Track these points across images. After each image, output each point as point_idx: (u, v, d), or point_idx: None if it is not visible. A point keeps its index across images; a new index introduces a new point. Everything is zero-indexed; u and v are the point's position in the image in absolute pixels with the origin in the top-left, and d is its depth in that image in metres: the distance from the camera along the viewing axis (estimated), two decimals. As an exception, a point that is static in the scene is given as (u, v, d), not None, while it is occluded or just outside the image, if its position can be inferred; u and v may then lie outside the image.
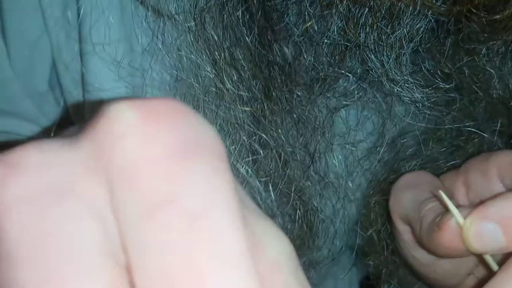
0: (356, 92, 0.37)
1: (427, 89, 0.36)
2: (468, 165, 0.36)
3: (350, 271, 0.50)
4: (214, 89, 0.34)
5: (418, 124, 0.38)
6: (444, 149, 0.40)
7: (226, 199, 0.15)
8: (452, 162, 0.39)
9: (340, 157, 0.40)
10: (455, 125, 0.38)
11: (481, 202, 0.30)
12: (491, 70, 0.35)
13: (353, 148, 0.39)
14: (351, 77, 0.37)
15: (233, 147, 0.34)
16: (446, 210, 0.31)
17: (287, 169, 0.36)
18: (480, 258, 0.32)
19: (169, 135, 0.15)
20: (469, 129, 0.38)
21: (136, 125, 0.15)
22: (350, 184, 0.41)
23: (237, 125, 0.35)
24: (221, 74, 0.34)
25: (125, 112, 0.15)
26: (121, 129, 0.15)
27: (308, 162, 0.37)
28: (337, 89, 0.37)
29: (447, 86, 0.36)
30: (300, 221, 0.38)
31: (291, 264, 0.17)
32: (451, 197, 0.33)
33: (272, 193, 0.36)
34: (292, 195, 0.37)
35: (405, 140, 0.40)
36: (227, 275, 0.14)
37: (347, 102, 0.38)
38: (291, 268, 0.17)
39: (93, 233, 0.15)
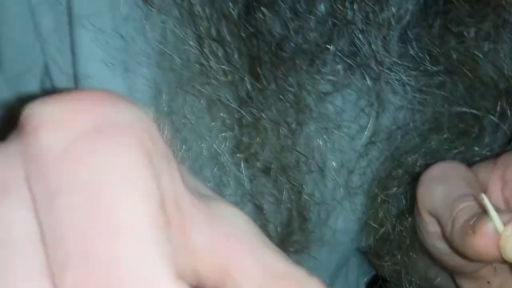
0: (344, 73, 0.36)
1: (414, 72, 0.35)
2: (509, 158, 0.34)
3: (358, 273, 0.49)
4: (198, 65, 0.34)
5: (412, 106, 0.38)
6: (445, 138, 0.39)
7: (128, 176, 0.15)
8: (455, 151, 0.39)
9: (332, 145, 0.39)
10: (451, 108, 0.37)
11: None
12: (479, 54, 0.35)
13: (341, 134, 0.38)
14: (339, 62, 0.36)
15: (214, 123, 0.34)
16: (483, 211, 0.29)
17: (269, 147, 0.35)
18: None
19: (81, 121, 0.16)
20: (466, 110, 0.37)
21: (52, 118, 0.16)
22: (346, 174, 0.40)
23: (219, 103, 0.34)
24: (205, 50, 0.33)
25: (44, 107, 0.16)
26: (37, 122, 0.16)
27: (292, 141, 0.36)
28: (325, 71, 0.36)
29: (435, 69, 0.35)
30: (285, 201, 0.37)
31: (248, 228, 0.17)
32: (485, 191, 0.32)
33: (245, 170, 0.35)
34: (279, 177, 0.37)
35: (403, 132, 0.39)
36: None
37: (337, 87, 0.37)
38: (250, 231, 0.17)
39: (25, 223, 0.16)
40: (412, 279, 0.41)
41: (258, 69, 0.34)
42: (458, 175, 0.33)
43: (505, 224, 0.28)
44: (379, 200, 0.40)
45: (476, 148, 0.39)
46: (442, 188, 0.33)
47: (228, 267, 0.16)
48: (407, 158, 0.39)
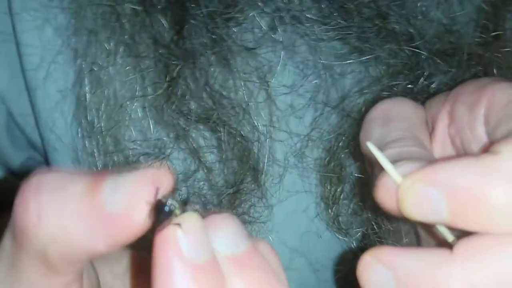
0: (266, 29, 0.36)
1: (326, 26, 0.36)
2: (460, 90, 0.30)
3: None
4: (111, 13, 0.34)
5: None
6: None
7: None
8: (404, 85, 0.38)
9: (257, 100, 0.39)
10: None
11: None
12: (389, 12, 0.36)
13: (267, 88, 0.38)
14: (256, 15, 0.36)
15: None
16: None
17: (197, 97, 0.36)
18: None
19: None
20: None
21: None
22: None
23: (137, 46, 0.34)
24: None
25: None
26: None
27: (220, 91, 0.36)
28: (246, 26, 0.37)
29: (346, 24, 0.36)
30: (228, 150, 0.37)
31: None
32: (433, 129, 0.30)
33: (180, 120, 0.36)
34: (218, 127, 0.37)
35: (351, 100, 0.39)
36: None
37: (260, 42, 0.37)
38: None
39: None
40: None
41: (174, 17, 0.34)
42: (399, 114, 0.31)
43: (403, 176, 0.24)
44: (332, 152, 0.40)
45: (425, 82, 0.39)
46: (379, 131, 0.30)
47: None
48: (350, 104, 0.39)
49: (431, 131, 0.31)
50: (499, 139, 0.23)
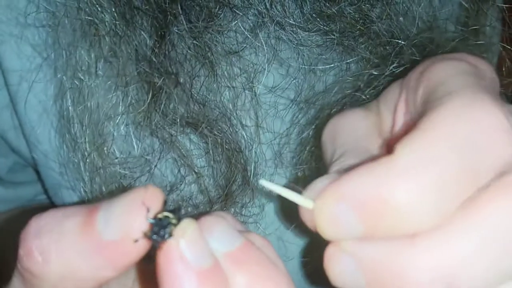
0: (249, 33, 0.36)
1: (309, 32, 0.36)
2: (409, 75, 0.28)
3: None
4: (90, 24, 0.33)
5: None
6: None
7: None
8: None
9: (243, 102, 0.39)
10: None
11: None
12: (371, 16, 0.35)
13: (251, 93, 0.38)
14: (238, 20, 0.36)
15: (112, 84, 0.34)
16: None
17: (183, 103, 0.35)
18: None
19: None
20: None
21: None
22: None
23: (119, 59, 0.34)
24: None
25: None
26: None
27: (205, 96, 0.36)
28: (229, 30, 0.36)
29: (328, 28, 0.35)
30: (216, 155, 0.37)
31: None
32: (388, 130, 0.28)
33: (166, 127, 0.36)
34: (206, 132, 0.37)
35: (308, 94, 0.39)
36: None
37: (242, 46, 0.37)
38: None
39: None
40: None
41: (159, 24, 0.34)
42: (344, 129, 0.30)
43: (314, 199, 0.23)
44: (306, 152, 0.40)
45: None
46: (329, 150, 0.29)
47: None
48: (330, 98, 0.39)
49: (391, 126, 0.29)
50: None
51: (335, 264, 0.23)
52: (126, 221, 0.21)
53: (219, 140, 0.38)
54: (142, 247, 0.22)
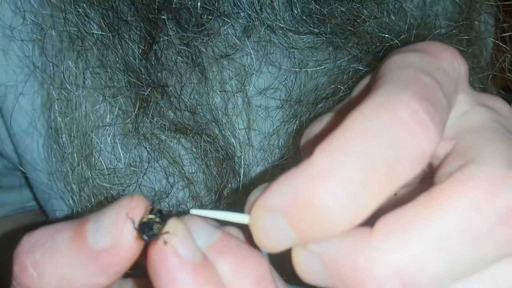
0: (240, 36, 0.35)
1: (300, 35, 0.35)
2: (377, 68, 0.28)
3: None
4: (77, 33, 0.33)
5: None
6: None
7: None
8: None
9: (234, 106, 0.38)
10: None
11: None
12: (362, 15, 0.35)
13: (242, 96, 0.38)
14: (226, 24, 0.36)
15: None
16: None
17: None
18: None
19: None
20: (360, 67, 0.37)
21: None
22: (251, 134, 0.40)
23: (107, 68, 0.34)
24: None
25: None
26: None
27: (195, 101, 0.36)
28: (216, 34, 0.36)
29: (318, 30, 0.35)
30: (208, 159, 0.37)
31: None
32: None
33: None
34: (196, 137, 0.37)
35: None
36: None
37: (234, 49, 0.36)
38: None
39: None
40: None
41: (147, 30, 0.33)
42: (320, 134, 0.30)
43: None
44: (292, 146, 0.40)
45: None
46: (307, 156, 0.29)
47: None
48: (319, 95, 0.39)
49: None
50: None
51: (301, 262, 0.23)
52: (115, 229, 0.22)
53: (209, 144, 0.37)
54: (132, 252, 0.22)
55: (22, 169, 0.40)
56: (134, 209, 0.22)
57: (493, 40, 0.43)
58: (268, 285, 0.24)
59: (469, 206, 0.20)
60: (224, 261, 0.23)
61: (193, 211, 0.25)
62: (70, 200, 0.38)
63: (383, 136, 0.20)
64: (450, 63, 0.23)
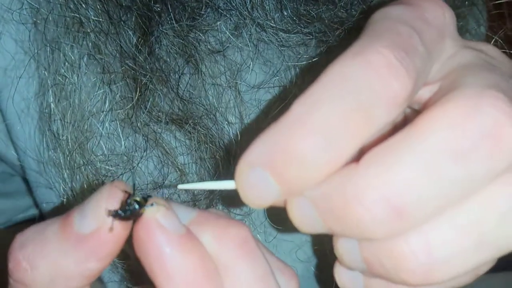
0: (231, 33, 0.36)
1: (289, 34, 0.36)
2: None
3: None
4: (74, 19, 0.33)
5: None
6: None
7: None
8: None
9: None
10: None
11: None
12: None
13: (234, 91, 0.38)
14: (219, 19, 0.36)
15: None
16: None
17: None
18: None
19: None
20: None
21: None
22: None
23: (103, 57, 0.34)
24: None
25: None
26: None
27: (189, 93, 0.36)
28: (212, 29, 0.37)
29: (307, 30, 0.36)
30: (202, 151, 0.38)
31: None
32: None
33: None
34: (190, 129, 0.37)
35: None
36: None
37: (225, 45, 0.37)
38: None
39: None
40: None
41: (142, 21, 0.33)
42: None
43: None
44: None
45: None
46: None
47: None
48: None
49: None
50: None
51: (295, 210, 0.23)
52: (98, 213, 0.23)
53: (203, 137, 0.37)
54: (118, 234, 0.23)
55: (22, 164, 0.40)
56: (115, 193, 0.23)
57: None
58: (251, 248, 0.24)
59: (451, 125, 0.20)
60: (205, 232, 0.24)
61: (180, 186, 0.26)
62: (61, 189, 0.38)
63: (356, 82, 0.20)
64: (433, 12, 0.24)
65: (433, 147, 0.20)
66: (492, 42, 0.41)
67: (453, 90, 0.21)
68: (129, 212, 0.23)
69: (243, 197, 0.23)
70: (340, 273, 0.26)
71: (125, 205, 0.23)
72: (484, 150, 0.20)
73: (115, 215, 0.23)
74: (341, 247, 0.24)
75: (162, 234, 0.22)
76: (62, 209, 0.38)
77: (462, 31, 0.42)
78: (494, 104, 0.20)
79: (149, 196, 0.24)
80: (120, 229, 0.23)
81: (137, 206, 0.23)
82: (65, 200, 0.38)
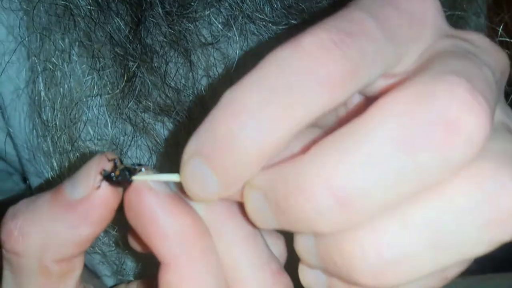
0: (223, 26, 0.36)
1: (278, 26, 0.36)
2: None
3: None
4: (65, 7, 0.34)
5: None
6: None
7: None
8: None
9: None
10: None
11: None
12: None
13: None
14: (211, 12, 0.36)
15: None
16: None
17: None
18: None
19: None
20: None
21: None
22: None
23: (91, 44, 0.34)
24: None
25: None
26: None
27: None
28: (201, 17, 0.37)
29: (295, 22, 0.36)
30: None
31: None
32: None
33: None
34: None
35: None
36: None
37: (217, 38, 0.37)
38: None
39: None
40: None
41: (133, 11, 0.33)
42: None
43: None
44: None
45: None
46: None
47: None
48: None
49: None
50: None
51: (249, 203, 0.22)
52: (88, 179, 0.24)
53: (193, 126, 0.37)
54: (108, 199, 0.24)
55: (18, 155, 0.40)
56: (105, 161, 0.24)
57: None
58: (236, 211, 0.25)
59: (398, 112, 0.19)
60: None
61: (134, 178, 0.25)
62: (49, 176, 0.37)
63: (288, 64, 0.20)
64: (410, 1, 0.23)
65: (379, 136, 0.19)
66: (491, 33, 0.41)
67: (409, 79, 0.20)
68: (120, 177, 0.24)
69: (187, 191, 0.22)
70: (303, 272, 0.25)
71: (115, 170, 0.24)
72: (435, 139, 0.19)
73: (107, 177, 0.24)
74: (298, 244, 0.23)
75: (153, 196, 0.23)
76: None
77: (461, 22, 0.41)
78: (449, 90, 0.19)
79: (139, 165, 0.24)
80: (110, 194, 0.24)
81: (126, 175, 0.24)
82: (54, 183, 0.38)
